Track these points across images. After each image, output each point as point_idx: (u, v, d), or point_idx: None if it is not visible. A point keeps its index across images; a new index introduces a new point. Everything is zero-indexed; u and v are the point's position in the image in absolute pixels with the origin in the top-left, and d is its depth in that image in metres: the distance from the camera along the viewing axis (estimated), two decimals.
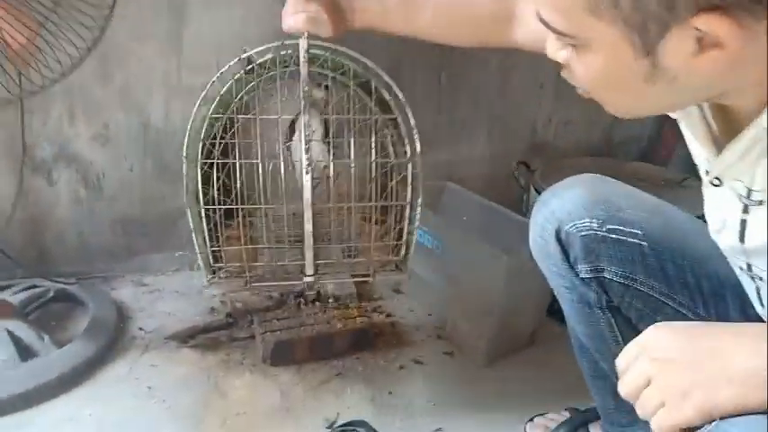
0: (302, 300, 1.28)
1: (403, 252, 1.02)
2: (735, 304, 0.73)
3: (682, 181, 1.48)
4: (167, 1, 1.23)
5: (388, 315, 1.36)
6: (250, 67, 0.92)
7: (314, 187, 0.94)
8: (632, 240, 0.75)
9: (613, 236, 0.76)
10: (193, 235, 0.95)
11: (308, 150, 0.92)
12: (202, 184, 0.91)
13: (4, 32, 0.86)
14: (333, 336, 1.19)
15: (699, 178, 0.66)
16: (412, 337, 1.30)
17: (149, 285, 1.41)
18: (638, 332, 0.53)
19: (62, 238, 1.36)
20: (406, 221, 1.01)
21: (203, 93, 0.91)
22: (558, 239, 0.78)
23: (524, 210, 1.49)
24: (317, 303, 1.27)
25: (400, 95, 0.96)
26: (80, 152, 1.30)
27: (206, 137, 0.91)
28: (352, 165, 1.00)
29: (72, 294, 1.27)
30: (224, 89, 0.90)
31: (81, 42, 0.92)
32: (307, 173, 0.93)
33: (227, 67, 0.91)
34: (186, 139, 0.91)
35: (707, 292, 0.75)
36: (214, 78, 0.90)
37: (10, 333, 1.08)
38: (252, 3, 1.26)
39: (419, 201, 0.99)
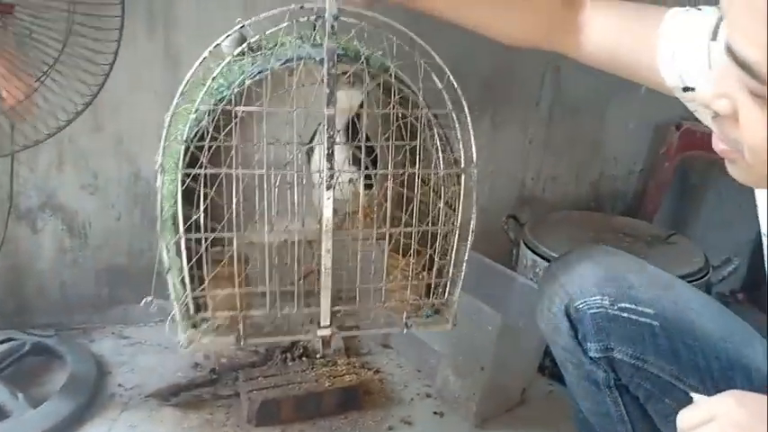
0: (289, 355, 1.25)
1: (446, 293, 0.80)
2: (744, 387, 0.73)
3: (668, 237, 1.50)
4: (163, 50, 1.24)
5: (377, 371, 1.33)
6: (244, 45, 0.70)
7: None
8: (644, 320, 0.74)
9: (625, 315, 0.75)
10: (168, 275, 0.71)
11: (330, 156, 0.69)
12: (183, 203, 0.67)
13: (2, 88, 0.86)
14: (321, 394, 1.16)
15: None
16: (401, 395, 1.27)
17: (131, 338, 1.37)
18: (644, 411, 0.52)
19: (43, 288, 1.33)
20: (452, 252, 0.78)
21: (186, 79, 0.70)
22: (568, 315, 0.77)
23: (514, 263, 1.49)
24: (305, 359, 1.24)
25: (455, 85, 0.73)
26: (67, 201, 1.28)
27: (190, 138, 0.67)
28: (388, 175, 0.75)
29: (49, 348, 1.23)
30: (216, 71, 0.68)
31: (79, 98, 0.91)
32: (328, 187, 0.70)
33: (215, 45, 0.72)
34: (162, 142, 0.69)
35: (717, 375, 0.74)
36: (199, 61, 0.70)
37: None
38: None
39: (473, 224, 0.77)
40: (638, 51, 0.72)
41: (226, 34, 0.72)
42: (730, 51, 0.42)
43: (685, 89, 0.69)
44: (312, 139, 0.79)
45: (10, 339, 1.22)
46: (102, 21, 0.91)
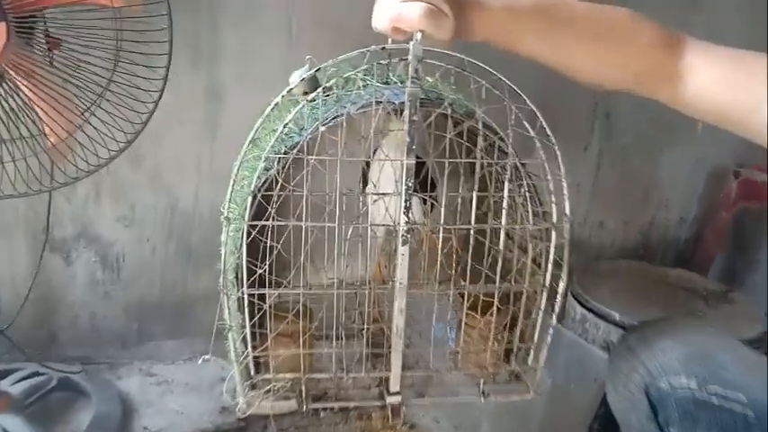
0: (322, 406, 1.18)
1: (530, 359, 0.74)
2: None
3: (726, 294, 1.40)
4: (205, 84, 1.21)
5: (412, 426, 1.26)
6: (319, 90, 0.64)
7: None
8: (736, 407, 0.67)
9: (715, 400, 0.67)
10: (230, 333, 0.67)
11: (407, 208, 0.64)
12: (248, 256, 0.63)
13: (45, 125, 0.83)
14: None
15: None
16: None
17: (158, 375, 1.32)
18: None
19: (73, 320, 1.30)
20: (539, 312, 0.72)
21: (256, 126, 0.65)
22: (648, 395, 0.70)
23: (560, 315, 1.41)
24: (338, 410, 1.17)
25: (548, 132, 0.68)
26: (102, 233, 1.26)
27: (258, 187, 0.63)
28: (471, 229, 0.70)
29: (76, 384, 1.19)
30: (288, 118, 0.62)
31: (121, 136, 0.88)
32: (404, 242, 0.65)
33: (288, 89, 0.66)
34: (229, 191, 0.64)
35: None
36: (270, 107, 0.65)
37: (4, 430, 1.00)
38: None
39: (562, 286, 0.71)
40: (751, 104, 0.64)
41: (299, 77, 0.67)
42: None
43: None
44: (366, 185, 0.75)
45: (36, 374, 1.18)
46: (148, 58, 0.88)
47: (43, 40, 0.87)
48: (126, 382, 1.28)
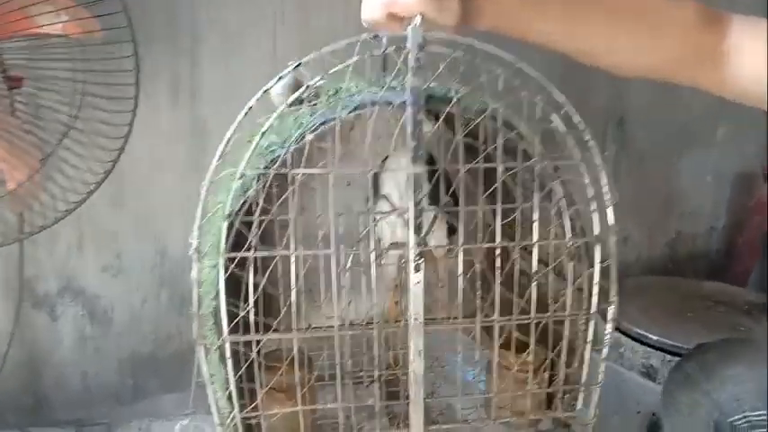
0: None
1: (579, 403, 0.61)
2: None
3: None
4: (188, 121, 1.15)
5: None
6: (301, 91, 0.54)
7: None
8: None
9: None
10: (209, 389, 0.58)
11: (418, 228, 0.53)
12: (228, 295, 0.53)
13: (3, 171, 0.77)
14: None
15: None
16: None
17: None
18: None
19: (62, 380, 1.21)
20: (586, 348, 0.60)
21: (226, 138, 0.56)
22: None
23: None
24: None
25: (582, 127, 0.57)
26: (88, 285, 1.18)
27: (234, 212, 0.53)
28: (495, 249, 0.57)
29: None
30: (266, 124, 0.53)
31: (91, 176, 0.82)
32: (417, 269, 0.54)
33: (263, 90, 0.56)
34: (197, 219, 0.55)
35: None
36: (243, 112, 0.56)
37: None
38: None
39: (612, 311, 0.59)
40: None
41: (277, 77, 0.57)
42: None
43: None
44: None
45: None
46: (115, 89, 0.81)
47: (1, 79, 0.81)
48: None
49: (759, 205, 1.43)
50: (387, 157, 0.62)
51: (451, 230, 0.60)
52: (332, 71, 0.53)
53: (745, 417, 0.58)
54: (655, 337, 1.10)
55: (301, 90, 0.54)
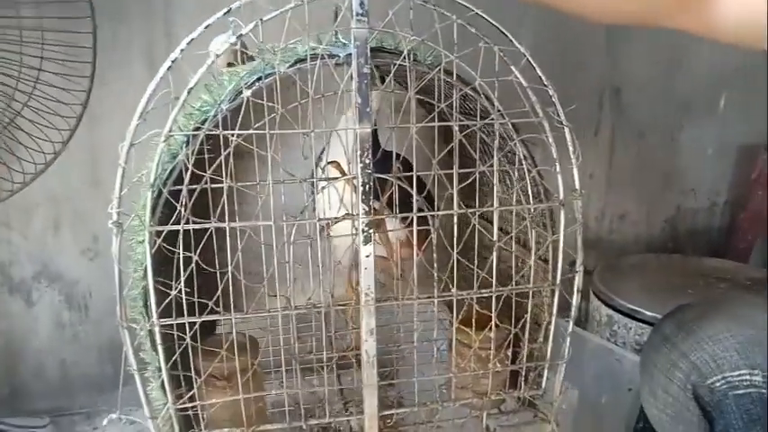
0: None
1: (544, 380, 0.57)
2: None
3: None
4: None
5: None
6: (232, 45, 0.49)
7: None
8: None
9: None
10: (137, 379, 0.54)
11: (367, 194, 0.48)
12: (157, 273, 0.49)
13: None
14: None
15: None
16: None
17: (138, 423, 1.19)
18: None
19: (41, 368, 1.17)
20: (551, 321, 0.56)
21: (148, 92, 0.51)
22: (697, 398, 0.55)
23: (582, 320, 1.25)
24: None
25: (545, 81, 0.52)
26: (65, 269, 1.14)
27: (160, 177, 0.48)
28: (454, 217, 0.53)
29: None
30: (193, 80, 0.47)
31: (49, 147, 0.78)
32: (367, 240, 0.49)
33: (214, 54, 0.52)
34: (118, 186, 0.50)
35: None
36: (170, 61, 0.49)
37: None
38: None
39: (578, 281, 0.55)
40: None
41: (222, 44, 0.53)
42: None
43: None
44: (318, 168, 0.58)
45: None
46: (74, 51, 0.77)
47: None
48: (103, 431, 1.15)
49: (761, 178, 1.37)
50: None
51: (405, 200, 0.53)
52: (267, 18, 0.48)
53: (723, 378, 0.54)
54: (650, 313, 1.05)
55: (234, 40, 0.50)
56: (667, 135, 1.41)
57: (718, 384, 0.54)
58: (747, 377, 0.53)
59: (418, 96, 0.50)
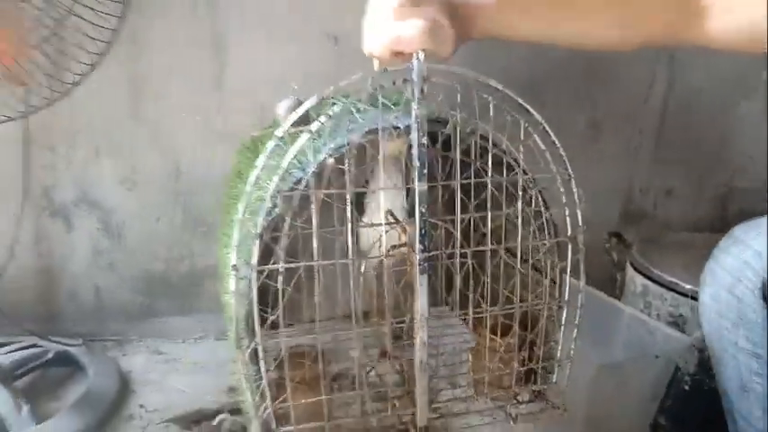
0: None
1: (555, 376, 0.70)
2: None
3: None
4: (209, 35, 1.11)
5: None
6: (315, 125, 0.57)
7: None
8: None
9: None
10: (245, 386, 0.63)
11: (423, 236, 0.60)
12: (259, 304, 0.59)
13: None
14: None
15: None
16: None
17: (166, 354, 1.22)
18: None
19: (76, 293, 1.21)
20: (561, 330, 0.69)
21: (260, 164, 0.58)
22: (766, 298, 0.54)
23: (618, 292, 1.21)
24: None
25: (557, 143, 0.63)
26: (104, 197, 1.17)
27: (264, 229, 0.57)
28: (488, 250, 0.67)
29: (73, 358, 1.10)
30: (294, 149, 0.56)
31: (86, 57, 0.78)
32: (422, 272, 0.61)
33: (281, 117, 0.64)
34: (234, 239, 0.58)
35: None
36: (268, 150, 0.57)
37: None
38: (299, 43, 1.13)
39: (580, 298, 0.66)
40: None
41: (286, 109, 0.65)
42: None
43: None
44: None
45: (34, 346, 1.10)
46: None
47: None
48: (130, 359, 1.19)
49: None
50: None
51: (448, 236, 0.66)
52: (329, 90, 0.56)
53: None
54: (688, 286, 1.01)
55: (321, 120, 0.57)
56: (721, 107, 1.34)
57: None
58: None
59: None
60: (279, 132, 0.56)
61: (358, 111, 0.62)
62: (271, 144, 0.56)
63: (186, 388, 1.11)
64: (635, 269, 1.12)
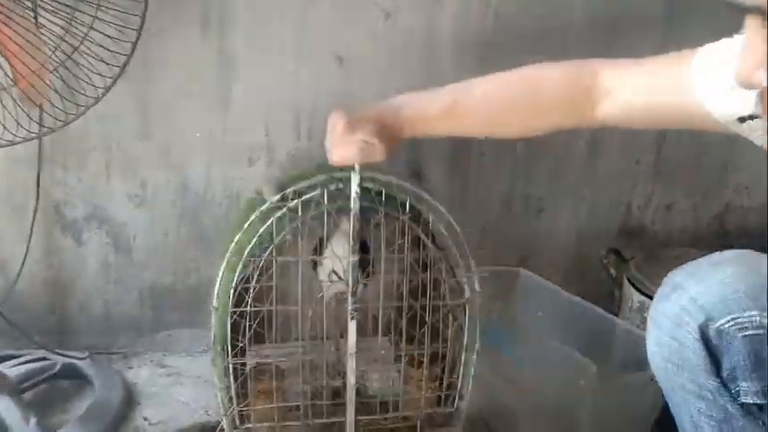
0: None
1: (456, 402, 0.89)
2: None
3: None
4: (217, 56, 1.15)
5: None
6: (279, 198, 0.80)
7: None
8: None
9: None
10: (217, 394, 0.84)
11: (354, 293, 0.79)
12: (232, 333, 0.81)
13: (15, 70, 0.78)
14: None
15: None
16: None
17: (170, 367, 1.24)
18: None
19: (85, 306, 1.24)
20: (461, 368, 0.88)
21: (234, 239, 0.80)
22: (705, 341, 0.55)
23: (615, 307, 1.22)
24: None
25: (458, 229, 0.83)
26: (114, 212, 1.20)
27: (238, 282, 0.80)
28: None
29: (80, 371, 1.13)
30: (262, 228, 0.78)
31: (99, 81, 0.82)
32: (352, 318, 0.80)
33: (259, 211, 0.79)
34: (217, 288, 0.82)
35: None
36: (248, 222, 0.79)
37: None
38: (304, 63, 1.16)
39: (476, 345, 0.87)
40: (674, 95, 0.67)
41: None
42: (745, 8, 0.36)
43: (741, 119, 0.64)
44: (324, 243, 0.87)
45: (43, 359, 1.13)
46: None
47: None
48: (136, 372, 1.21)
49: None
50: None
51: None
52: (304, 198, 0.79)
53: (732, 319, 0.54)
54: None
55: (277, 197, 0.79)
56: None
57: (727, 326, 0.54)
58: (757, 318, 0.53)
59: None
60: (262, 208, 0.77)
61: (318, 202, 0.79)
62: (253, 216, 0.77)
63: (190, 401, 1.14)
64: (632, 285, 1.14)
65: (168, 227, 1.23)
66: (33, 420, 0.96)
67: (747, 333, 0.53)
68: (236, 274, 0.78)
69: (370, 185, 0.80)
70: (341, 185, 0.77)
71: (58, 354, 1.14)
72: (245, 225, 0.78)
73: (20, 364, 1.09)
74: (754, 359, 0.53)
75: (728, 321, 0.54)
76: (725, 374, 0.55)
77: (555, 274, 1.24)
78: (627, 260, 1.25)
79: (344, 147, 0.75)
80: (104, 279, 1.24)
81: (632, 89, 0.72)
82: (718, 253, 0.62)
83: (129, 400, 1.10)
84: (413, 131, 0.79)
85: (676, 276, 0.60)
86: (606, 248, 1.29)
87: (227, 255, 0.79)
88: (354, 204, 0.76)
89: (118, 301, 1.25)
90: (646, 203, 1.39)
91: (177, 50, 1.13)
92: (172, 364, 1.25)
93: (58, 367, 1.11)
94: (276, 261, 0.79)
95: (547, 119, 0.78)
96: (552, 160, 1.31)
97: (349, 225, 0.77)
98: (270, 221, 0.77)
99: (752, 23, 0.39)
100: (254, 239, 0.77)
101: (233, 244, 0.79)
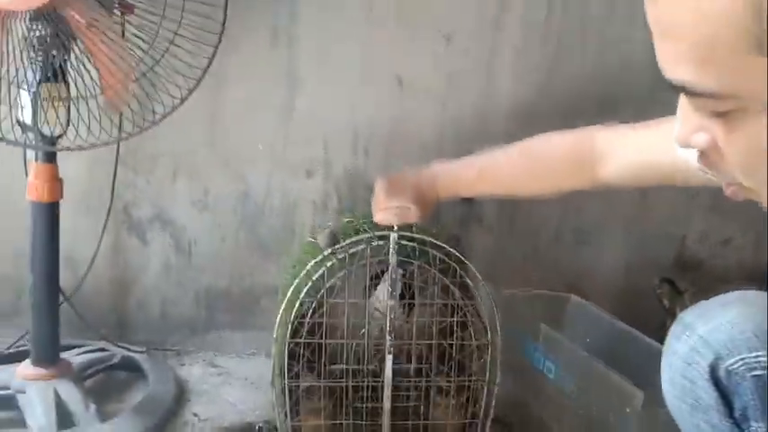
0: None
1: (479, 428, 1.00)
2: None
3: None
4: (283, 71, 1.20)
5: None
6: (330, 254, 0.93)
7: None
8: None
9: None
10: (275, 409, 0.97)
11: (391, 332, 0.93)
12: (288, 359, 0.94)
13: (103, 81, 0.85)
14: None
15: None
16: None
17: (220, 367, 1.29)
18: None
19: (145, 303, 1.31)
20: (483, 400, 0.98)
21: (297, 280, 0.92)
22: (715, 381, 0.56)
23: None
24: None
25: (480, 278, 0.95)
26: (177, 216, 1.27)
27: (295, 317, 0.93)
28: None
29: (136, 364, 1.18)
30: (316, 275, 0.92)
31: (176, 91, 0.88)
32: (389, 352, 0.93)
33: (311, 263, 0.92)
34: (277, 323, 0.94)
35: None
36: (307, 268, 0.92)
37: (57, 395, 0.99)
38: (366, 82, 1.21)
39: (496, 382, 0.97)
40: (664, 154, 0.68)
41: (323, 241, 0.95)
42: (678, 87, 0.38)
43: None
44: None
45: (102, 350, 1.19)
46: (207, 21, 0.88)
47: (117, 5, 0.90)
48: (188, 369, 1.26)
49: None
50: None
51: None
52: (351, 252, 0.92)
53: (741, 359, 0.54)
54: None
55: (333, 262, 0.92)
56: None
57: (736, 366, 0.55)
58: (764, 358, 0.53)
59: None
60: (317, 258, 0.92)
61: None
62: (311, 263, 0.92)
63: (237, 402, 1.17)
64: None
65: (227, 232, 1.28)
66: (93, 407, 1.01)
67: (756, 373, 0.54)
68: (294, 311, 0.92)
69: (408, 243, 0.92)
70: (381, 242, 0.91)
71: (118, 346, 1.20)
72: (302, 273, 0.93)
73: (83, 353, 1.15)
74: (764, 399, 0.53)
75: (737, 361, 0.55)
76: (737, 414, 0.56)
77: (603, 303, 1.22)
78: (682, 292, 1.23)
79: (385, 211, 0.90)
80: (165, 279, 1.30)
81: (625, 150, 0.76)
82: (729, 294, 0.63)
83: (181, 395, 1.15)
84: (446, 195, 0.93)
85: (687, 316, 0.61)
86: (660, 278, 1.27)
87: (288, 294, 0.93)
88: (392, 258, 0.90)
89: (175, 302, 1.31)
90: (703, 237, 1.36)
91: (246, 65, 1.19)
92: (222, 364, 1.30)
93: (117, 359, 1.17)
94: (327, 302, 0.92)
95: (556, 181, 0.86)
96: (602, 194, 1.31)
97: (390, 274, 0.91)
98: (322, 270, 0.91)
99: (681, 96, 0.41)
100: (309, 284, 0.91)
101: (292, 287, 0.93)
